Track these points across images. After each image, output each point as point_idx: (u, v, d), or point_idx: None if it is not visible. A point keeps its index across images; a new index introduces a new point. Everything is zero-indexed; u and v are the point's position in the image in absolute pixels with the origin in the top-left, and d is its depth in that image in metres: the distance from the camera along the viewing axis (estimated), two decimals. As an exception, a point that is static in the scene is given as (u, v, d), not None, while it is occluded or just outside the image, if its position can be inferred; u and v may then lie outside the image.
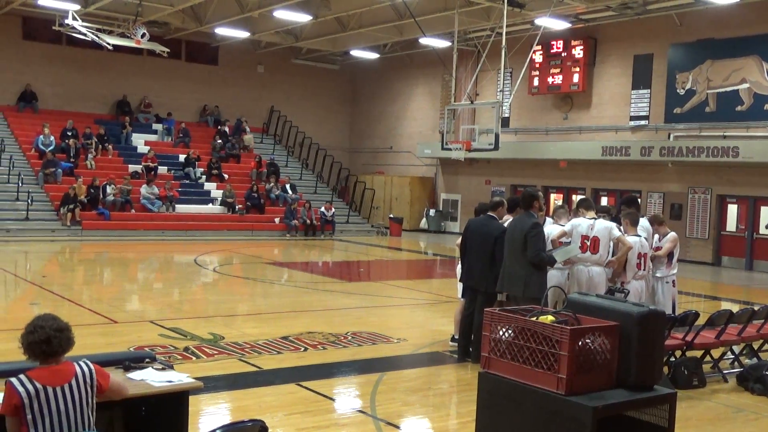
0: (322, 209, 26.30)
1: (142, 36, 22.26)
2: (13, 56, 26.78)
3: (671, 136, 22.24)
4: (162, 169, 25.94)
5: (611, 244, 8.50)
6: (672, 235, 9.43)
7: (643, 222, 9.33)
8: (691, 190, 22.16)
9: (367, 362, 8.61)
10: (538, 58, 25.00)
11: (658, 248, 9.34)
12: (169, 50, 24.61)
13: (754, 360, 8.73)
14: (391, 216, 28.83)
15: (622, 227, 9.02)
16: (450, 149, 22.31)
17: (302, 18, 23.78)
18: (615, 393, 4.30)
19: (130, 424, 4.64)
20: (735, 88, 20.99)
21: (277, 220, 25.59)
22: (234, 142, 29.07)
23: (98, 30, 22.41)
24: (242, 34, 26.55)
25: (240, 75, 31.23)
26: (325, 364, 8.40)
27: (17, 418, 3.62)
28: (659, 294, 9.24)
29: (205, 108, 30.72)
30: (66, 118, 26.18)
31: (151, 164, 25.59)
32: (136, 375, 4.57)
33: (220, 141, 28.66)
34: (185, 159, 26.72)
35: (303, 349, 9.05)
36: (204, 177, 26.64)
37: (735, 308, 10.35)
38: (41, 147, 24.56)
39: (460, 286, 9.19)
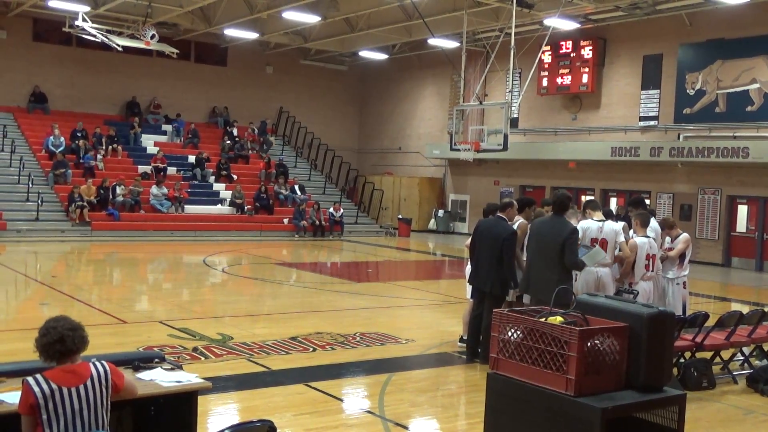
0: (331, 210, 26.32)
1: (152, 37, 22.36)
2: (23, 57, 26.91)
3: (681, 136, 22.16)
4: (171, 170, 26.02)
5: (617, 246, 8.48)
6: (684, 236, 9.38)
7: (653, 223, 9.30)
8: (700, 190, 22.08)
9: (375, 363, 8.61)
10: (547, 58, 24.96)
11: (670, 249, 9.30)
12: (178, 51, 24.74)
13: (764, 361, 8.70)
14: (400, 217, 28.82)
15: (632, 228, 9.01)
16: (459, 150, 22.28)
17: (311, 19, 23.81)
18: (624, 394, 4.28)
19: (139, 423, 4.65)
20: (745, 88, 20.90)
21: (285, 220, 25.62)
22: (244, 143, 29.14)
23: (108, 31, 22.53)
24: (251, 35, 26.60)
25: (249, 76, 31.29)
26: (334, 365, 8.40)
27: (32, 417, 3.65)
28: (670, 295, 9.20)
29: (214, 109, 30.79)
30: (76, 119, 26.29)
31: (160, 165, 25.67)
32: (145, 375, 4.58)
33: (229, 142, 28.73)
34: (195, 160, 26.79)
35: (311, 349, 9.06)
36: (213, 178, 26.71)
37: (745, 309, 10.30)
38: (51, 148, 24.66)
39: (469, 287, 9.17)
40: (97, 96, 28.27)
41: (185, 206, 24.55)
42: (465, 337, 9.14)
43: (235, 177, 26.90)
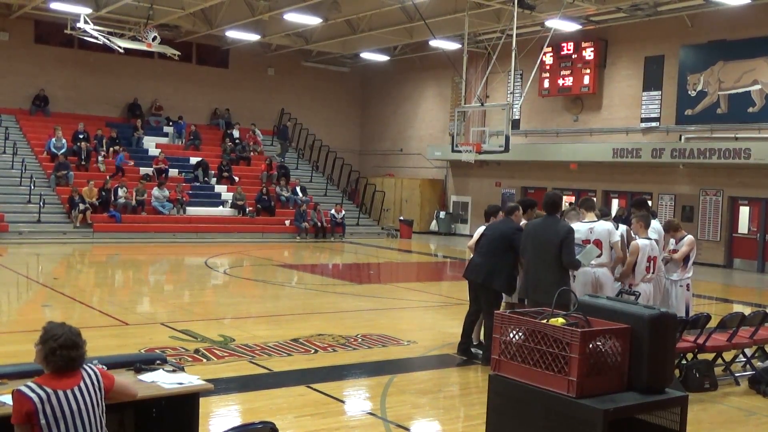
0: (333, 211, 26.32)
1: (153, 39, 22.36)
2: (25, 60, 26.93)
3: (682, 137, 22.15)
4: (173, 172, 26.04)
5: (613, 245, 8.45)
6: (689, 238, 9.32)
7: (655, 224, 9.29)
8: (702, 191, 22.06)
9: (377, 364, 8.61)
10: (548, 59, 24.95)
11: (674, 251, 9.27)
12: (180, 53, 24.77)
13: (767, 363, 8.69)
14: (401, 218, 28.82)
15: (632, 229, 8.99)
16: (460, 151, 22.29)
17: (312, 21, 23.83)
18: (626, 396, 4.28)
19: (141, 425, 4.65)
20: (747, 89, 20.89)
21: (287, 222, 25.63)
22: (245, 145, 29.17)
23: (110, 33, 22.53)
24: (253, 37, 26.62)
25: (250, 78, 31.31)
26: (336, 366, 8.40)
27: (27, 426, 3.61)
28: (672, 297, 9.18)
29: (216, 111, 30.82)
30: (78, 121, 26.31)
31: (162, 167, 25.69)
32: (147, 377, 4.58)
33: (230, 143, 28.75)
34: (197, 162, 26.81)
35: (313, 351, 9.06)
36: (214, 179, 26.73)
37: (747, 311, 10.29)
38: (53, 150, 24.69)
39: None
40: (98, 98, 28.29)
41: (187, 208, 24.57)
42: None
43: (236, 179, 26.92)
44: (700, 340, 8.07)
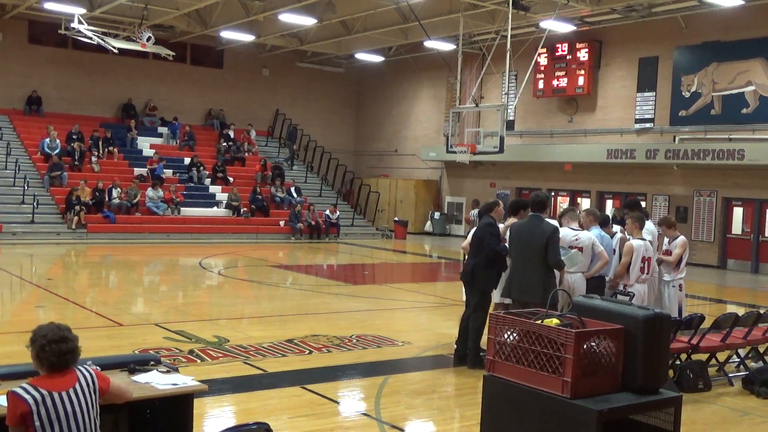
0: (327, 212, 26.32)
1: (148, 39, 22.34)
2: (19, 60, 26.87)
3: (677, 138, 22.20)
4: (167, 172, 26.00)
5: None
6: (682, 239, 9.32)
7: (649, 225, 9.31)
8: (696, 192, 22.11)
9: (371, 365, 8.61)
10: (543, 61, 24.99)
11: (667, 251, 9.27)
12: (174, 54, 24.72)
13: (760, 363, 8.71)
14: (396, 219, 28.83)
15: (627, 230, 9.01)
16: (455, 152, 22.30)
17: (307, 21, 23.81)
18: (620, 396, 4.29)
19: (135, 426, 4.64)
20: (740, 90, 20.95)
21: (282, 223, 25.61)
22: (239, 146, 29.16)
23: (104, 34, 22.50)
24: (247, 38, 26.60)
25: (245, 78, 31.28)
26: (330, 367, 8.40)
27: (23, 427, 3.60)
28: (665, 298, 9.20)
29: (211, 111, 30.78)
30: (72, 122, 26.25)
31: (156, 167, 25.63)
32: (141, 378, 4.57)
33: (225, 144, 28.72)
34: (190, 162, 26.77)
35: (308, 352, 9.05)
36: (209, 180, 26.69)
37: (741, 311, 10.31)
38: (47, 150, 24.62)
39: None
40: (93, 98, 28.23)
41: (181, 208, 24.54)
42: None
43: (231, 179, 26.88)
44: (694, 341, 8.08)
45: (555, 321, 4.38)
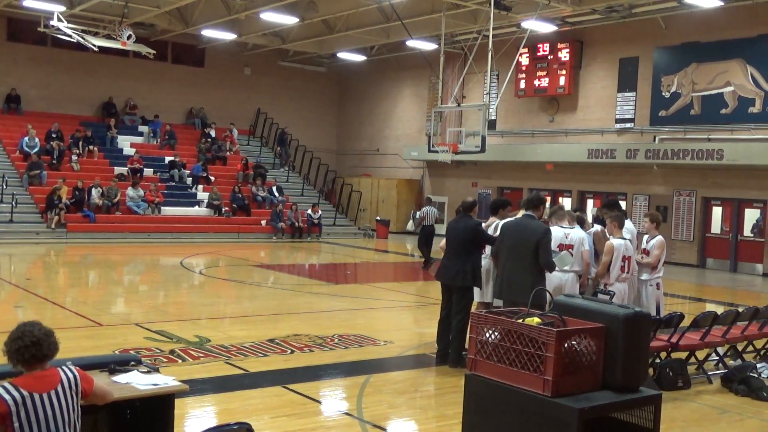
0: (309, 211, 26.27)
1: (128, 38, 22.18)
2: (-3, 58, 26.62)
3: (656, 138, 22.36)
4: (148, 171, 25.84)
5: (581, 253, 8.56)
6: (659, 240, 9.35)
7: (628, 224, 9.36)
8: (676, 192, 22.29)
9: (353, 365, 8.61)
10: (524, 60, 25.07)
11: (645, 251, 9.33)
12: (155, 52, 24.57)
13: (739, 361, 8.79)
14: (378, 218, 28.83)
15: (607, 229, 9.06)
16: (437, 152, 22.33)
17: (289, 20, 23.75)
18: (601, 395, 4.31)
19: (116, 427, 4.61)
20: (720, 91, 21.13)
21: (263, 222, 25.53)
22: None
23: (84, 31, 22.31)
24: (229, 36, 26.48)
25: (226, 77, 31.15)
26: (312, 367, 8.39)
27: (2, 427, 3.58)
28: (643, 296, 9.26)
29: (192, 110, 30.63)
30: (51, 120, 26.01)
31: (137, 166, 25.48)
32: (121, 378, 4.54)
33: (206, 143, 28.59)
34: (170, 161, 26.62)
35: (289, 351, 9.03)
36: (190, 179, 26.55)
37: (719, 310, 10.41)
38: (26, 149, 24.39)
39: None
40: (72, 97, 27.99)
41: (162, 208, 24.39)
42: None
43: (212, 178, 26.77)
44: (674, 339, 8.15)
45: (536, 320, 4.40)
